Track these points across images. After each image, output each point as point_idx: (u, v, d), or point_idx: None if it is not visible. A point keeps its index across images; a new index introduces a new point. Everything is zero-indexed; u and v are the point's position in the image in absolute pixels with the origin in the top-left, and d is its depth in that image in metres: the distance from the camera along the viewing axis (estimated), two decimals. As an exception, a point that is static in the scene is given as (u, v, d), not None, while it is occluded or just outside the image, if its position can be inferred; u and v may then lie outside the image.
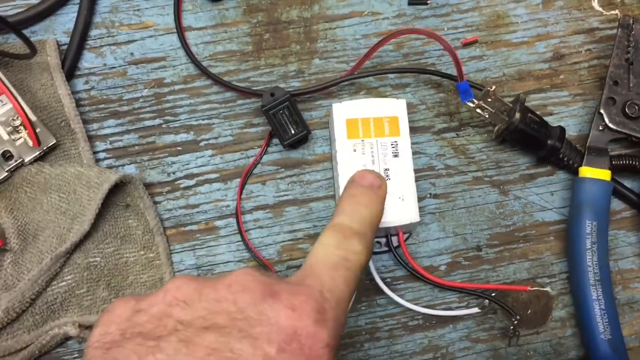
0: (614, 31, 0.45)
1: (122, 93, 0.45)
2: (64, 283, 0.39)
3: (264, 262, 0.41)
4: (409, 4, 0.47)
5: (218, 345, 0.24)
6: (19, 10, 0.45)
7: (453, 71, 0.43)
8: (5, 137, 0.39)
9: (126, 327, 0.26)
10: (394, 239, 0.41)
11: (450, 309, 0.41)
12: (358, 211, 0.33)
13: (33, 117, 0.39)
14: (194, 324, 0.25)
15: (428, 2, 0.47)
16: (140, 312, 0.26)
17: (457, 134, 0.45)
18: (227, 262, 0.42)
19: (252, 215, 0.43)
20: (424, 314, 0.41)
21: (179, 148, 0.44)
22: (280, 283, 0.27)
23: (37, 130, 0.40)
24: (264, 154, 0.44)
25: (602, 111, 0.43)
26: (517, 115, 0.41)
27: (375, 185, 0.34)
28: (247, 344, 0.25)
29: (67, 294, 0.39)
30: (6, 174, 0.40)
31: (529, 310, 0.41)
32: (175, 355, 0.24)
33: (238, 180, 0.43)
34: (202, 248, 0.42)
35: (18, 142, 0.40)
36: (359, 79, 0.45)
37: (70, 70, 0.44)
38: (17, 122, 0.40)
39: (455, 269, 0.42)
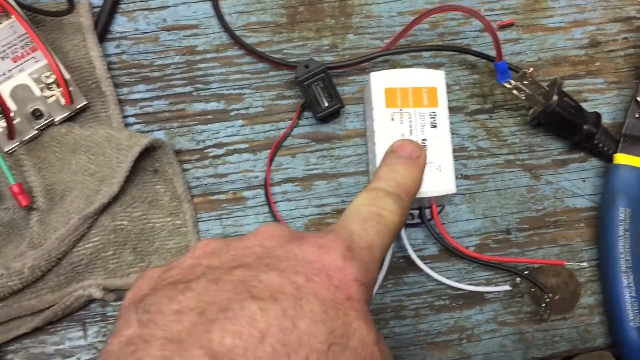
0: (653, 20, 0.44)
1: (154, 59, 0.44)
2: (90, 244, 0.38)
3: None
4: (446, -17, 0.47)
5: (245, 278, 0.24)
6: (53, -30, 0.44)
7: (488, 53, 0.43)
8: (37, 93, 0.39)
9: (157, 282, 0.26)
10: (427, 212, 0.40)
11: (477, 290, 0.41)
12: (394, 178, 0.33)
13: (67, 75, 0.39)
14: (223, 266, 0.25)
15: (465, -18, 0.47)
16: (171, 269, 0.27)
17: (490, 116, 0.44)
18: (254, 232, 0.41)
19: (280, 187, 0.42)
20: (454, 290, 0.40)
21: (209, 116, 0.43)
22: (306, 232, 0.28)
23: (70, 88, 0.39)
24: (295, 126, 0.43)
25: (639, 99, 0.42)
26: (555, 97, 0.40)
27: (414, 155, 0.34)
28: (274, 275, 0.24)
29: (93, 255, 0.38)
30: (35, 132, 0.39)
31: (557, 296, 0.41)
32: (204, 291, 0.24)
33: (267, 151, 0.43)
34: (229, 218, 0.41)
35: (49, 100, 0.39)
36: (393, 56, 0.45)
37: (102, 33, 0.44)
38: (50, 80, 0.39)
39: (484, 251, 0.42)
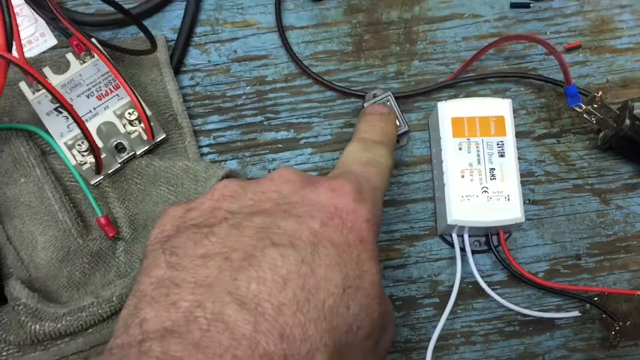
0: None
1: (226, 90, 0.46)
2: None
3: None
4: (511, 6, 0.47)
5: (265, 224, 0.26)
6: (128, 6, 0.47)
7: (555, 76, 0.43)
8: (122, 130, 0.41)
9: (180, 223, 0.28)
10: (494, 239, 0.41)
11: (547, 316, 0.41)
12: (375, 129, 0.37)
13: (149, 112, 0.41)
14: (242, 211, 0.27)
15: (530, 5, 0.47)
16: (191, 210, 0.29)
17: (557, 140, 0.44)
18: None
19: (349, 214, 0.43)
20: (523, 316, 0.41)
21: (279, 145, 0.45)
22: (319, 177, 0.30)
23: (152, 124, 0.41)
24: (363, 153, 0.44)
25: None
26: (627, 121, 0.40)
27: (385, 112, 0.39)
28: (292, 221, 0.26)
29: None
30: (119, 165, 0.42)
31: (629, 322, 0.41)
32: (227, 236, 0.26)
33: (337, 179, 0.44)
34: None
35: (132, 135, 0.42)
36: (459, 83, 0.45)
37: (177, 67, 0.46)
38: (133, 117, 0.41)
39: (554, 277, 0.42)
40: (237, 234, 0.26)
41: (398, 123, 0.43)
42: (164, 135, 0.42)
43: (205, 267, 0.25)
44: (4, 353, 0.39)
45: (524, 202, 0.43)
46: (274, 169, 0.44)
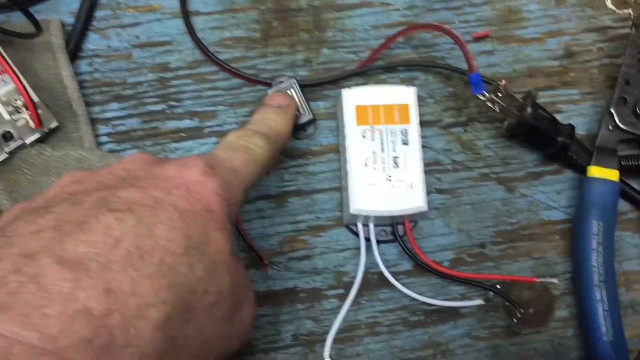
0: (627, 30, 0.44)
1: (126, 76, 0.44)
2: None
3: (258, 254, 0.40)
4: (421, -5, 0.47)
5: (105, 195, 0.25)
6: (23, -12, 0.44)
7: (463, 65, 0.43)
8: (7, 117, 0.38)
9: (20, 211, 0.27)
10: (400, 228, 0.40)
11: (452, 305, 0.41)
12: (265, 122, 0.36)
13: (36, 98, 0.39)
14: (85, 191, 0.26)
15: (440, -6, 0.46)
16: (35, 200, 0.28)
17: (464, 129, 0.44)
18: (228, 251, 0.41)
19: (254, 205, 0.42)
20: (428, 306, 0.40)
21: (182, 134, 0.43)
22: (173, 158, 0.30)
23: (39, 111, 0.39)
24: (269, 143, 0.43)
25: (612, 111, 0.42)
26: (529, 109, 0.40)
27: (283, 105, 0.38)
28: (133, 191, 0.26)
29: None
30: (6, 155, 0.39)
31: (531, 310, 0.41)
32: (64, 212, 0.25)
33: (241, 168, 0.42)
34: (203, 236, 0.41)
35: (19, 123, 0.39)
36: (368, 71, 0.45)
37: (74, 52, 0.44)
38: (19, 103, 0.39)
39: (459, 265, 0.42)
40: (74, 209, 0.25)
41: (302, 111, 0.42)
42: (56, 123, 0.40)
43: (35, 240, 0.23)
44: None
45: (431, 191, 0.43)
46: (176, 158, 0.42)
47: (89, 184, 0.27)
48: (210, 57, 0.44)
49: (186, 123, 0.43)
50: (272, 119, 0.36)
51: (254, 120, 0.36)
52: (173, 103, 0.44)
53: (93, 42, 0.44)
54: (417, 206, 0.39)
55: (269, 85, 0.43)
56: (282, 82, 0.42)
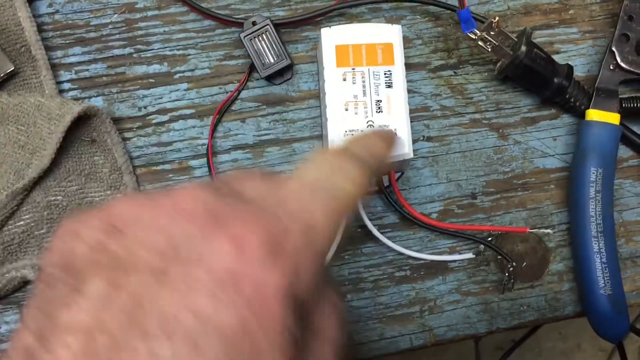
0: (632, -38, 0.41)
1: (90, 18, 0.41)
2: (21, 222, 0.36)
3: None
4: None
5: (141, 292, 0.20)
6: None
7: (454, 3, 0.40)
8: (-45, 60, 0.36)
9: (67, 254, 0.21)
10: (385, 179, 0.38)
11: (440, 259, 0.38)
12: (365, 141, 0.27)
13: (-14, 39, 0.36)
14: (126, 260, 0.21)
15: None
16: (79, 237, 0.21)
17: (455, 72, 0.41)
18: (202, 204, 0.38)
19: (229, 155, 0.39)
20: (415, 260, 0.38)
21: (151, 80, 0.40)
22: (233, 205, 0.22)
23: (-9, 54, 0.36)
24: (244, 89, 0.40)
25: (614, 49, 0.39)
26: (523, 48, 0.37)
27: (389, 137, 0.29)
28: (168, 296, 0.20)
29: (25, 234, 0.36)
30: (-42, 102, 0.36)
31: (525, 263, 0.39)
32: (99, 302, 0.20)
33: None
34: (175, 189, 0.39)
35: (-30, 67, 0.36)
36: (350, 9, 0.41)
37: (32, -9, 0.40)
38: (-32, 45, 0.36)
39: (448, 217, 0.39)
40: (109, 298, 0.20)
41: (279, 58, 0.39)
42: (11, 68, 0.37)
43: (65, 346, 0.20)
44: None
45: (418, 139, 0.40)
46: (144, 107, 0.39)
47: (131, 241, 0.21)
48: (180, -3, 0.41)
49: (155, 68, 0.40)
50: (372, 140, 0.27)
51: (352, 139, 0.27)
52: (140, 47, 0.40)
53: (53, -19, 0.41)
54: (402, 153, 0.36)
55: (241, 25, 0.39)
56: (255, 22, 0.39)
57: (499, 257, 0.38)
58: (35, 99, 0.37)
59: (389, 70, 0.37)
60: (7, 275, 0.35)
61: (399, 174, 0.39)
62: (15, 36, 0.38)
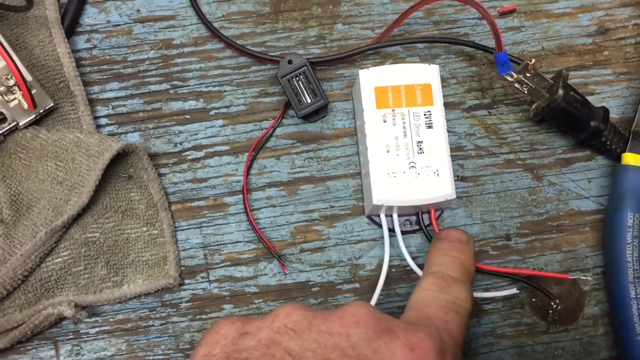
0: (667, 5, 0.41)
1: (127, 54, 0.41)
2: (59, 259, 0.36)
3: (268, 245, 0.38)
4: (443, -34, 0.43)
5: None
6: (16, -42, 0.41)
7: (488, 42, 0.40)
8: (-2, 98, 0.36)
9: (231, 350, 0.24)
10: (425, 217, 0.38)
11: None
12: (452, 261, 0.32)
13: (29, 77, 0.36)
14: (304, 356, 0.23)
15: (463, -35, 0.43)
16: (246, 335, 0.25)
17: (489, 112, 0.41)
18: (236, 242, 0.39)
19: (264, 192, 0.39)
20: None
21: (187, 116, 0.40)
22: (395, 320, 0.26)
23: (33, 91, 0.36)
24: (279, 126, 0.40)
25: (650, 93, 0.39)
26: (561, 91, 0.37)
27: (463, 240, 0.33)
28: None
29: (63, 271, 0.36)
30: (-2, 138, 0.37)
31: (559, 306, 0.38)
32: None
33: (250, 153, 0.40)
34: (210, 226, 0.39)
35: (12, 104, 0.36)
36: (385, 48, 0.41)
37: (71, 27, 0.41)
38: (11, 82, 0.36)
39: (482, 259, 0.39)
40: None
41: (316, 97, 0.39)
42: (51, 104, 0.37)
43: None
44: None
45: (453, 179, 0.40)
46: (180, 143, 0.39)
47: (306, 340, 0.24)
48: (215, 34, 0.41)
49: (191, 104, 0.40)
50: (456, 258, 0.32)
51: (438, 261, 0.32)
52: (177, 83, 0.41)
53: (91, 16, 0.41)
54: (444, 194, 0.36)
55: (277, 63, 0.40)
56: (290, 61, 0.39)
57: (534, 299, 0.38)
58: (74, 135, 0.37)
59: (428, 111, 0.37)
60: (44, 312, 0.35)
61: (439, 212, 0.39)
62: (54, 72, 0.39)
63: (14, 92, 0.36)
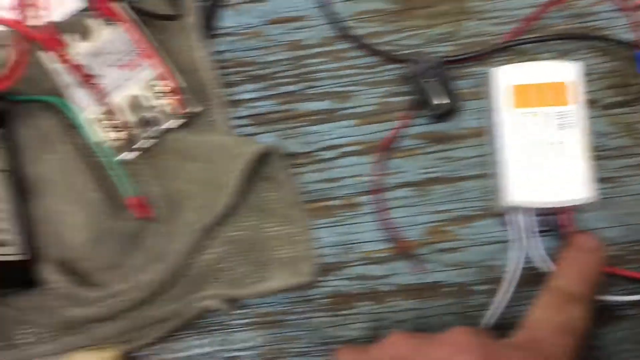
0: None
1: (259, 55, 0.42)
2: (209, 256, 0.38)
3: (401, 245, 0.39)
4: (579, -43, 0.41)
5: None
6: (155, -36, 0.43)
7: (626, 37, 0.38)
8: (153, 102, 0.38)
9: None
10: (561, 219, 0.37)
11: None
12: (574, 273, 0.33)
13: (183, 83, 0.38)
14: None
15: (601, -45, 0.41)
16: None
17: (627, 110, 0.40)
18: (369, 241, 0.40)
19: (395, 192, 0.40)
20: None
21: (319, 117, 0.41)
22: (499, 346, 0.27)
23: (185, 96, 0.38)
24: (409, 125, 0.41)
25: None
26: None
27: (592, 248, 0.34)
28: None
29: (212, 267, 0.38)
30: (151, 141, 0.39)
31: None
32: None
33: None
34: (343, 225, 0.40)
35: (164, 108, 0.39)
36: (515, 46, 0.41)
37: (207, 31, 0.42)
38: (164, 88, 0.38)
39: (618, 263, 0.38)
40: None
41: (447, 97, 0.39)
42: (200, 108, 0.40)
43: None
44: (37, 336, 0.37)
45: (589, 180, 0.39)
46: (313, 143, 0.41)
47: None
48: (344, 33, 0.41)
49: (323, 104, 0.41)
50: (582, 270, 0.33)
51: (564, 271, 0.33)
52: (309, 83, 0.42)
53: (226, 19, 0.43)
54: (583, 197, 0.35)
55: (415, 62, 0.40)
56: (420, 60, 0.39)
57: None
58: (217, 137, 0.39)
59: (569, 110, 0.36)
60: (195, 305, 0.38)
61: (575, 214, 0.38)
62: (194, 76, 0.41)
63: (167, 97, 0.38)
